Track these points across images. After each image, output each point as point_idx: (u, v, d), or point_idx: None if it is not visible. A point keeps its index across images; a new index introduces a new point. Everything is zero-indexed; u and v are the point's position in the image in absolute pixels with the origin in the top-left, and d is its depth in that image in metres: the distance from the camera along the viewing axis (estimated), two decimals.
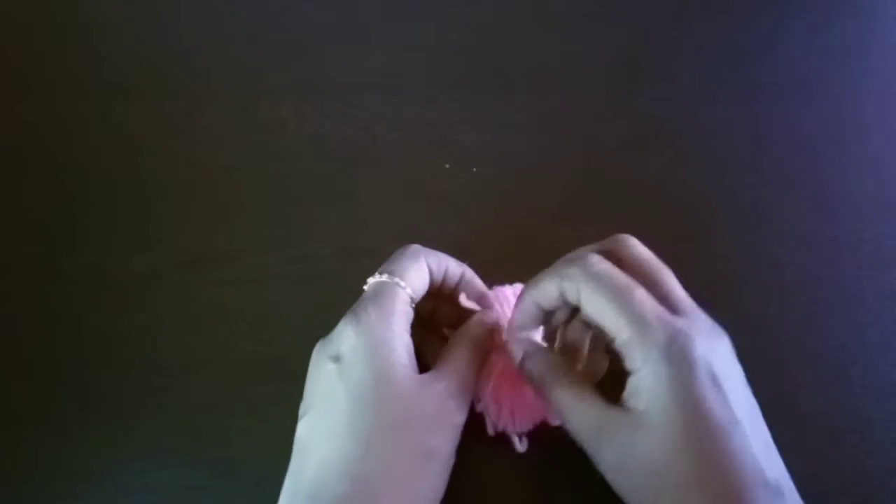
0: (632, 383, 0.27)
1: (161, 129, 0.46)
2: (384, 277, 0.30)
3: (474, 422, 0.32)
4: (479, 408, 0.33)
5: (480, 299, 0.34)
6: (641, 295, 0.27)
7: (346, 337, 0.28)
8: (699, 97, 0.48)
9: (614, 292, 0.27)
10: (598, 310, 0.27)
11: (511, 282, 0.37)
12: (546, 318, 0.31)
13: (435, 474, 0.28)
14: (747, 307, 0.39)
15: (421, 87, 0.48)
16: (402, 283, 0.30)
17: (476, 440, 0.32)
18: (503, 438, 0.33)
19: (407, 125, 0.46)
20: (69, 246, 0.41)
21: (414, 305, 0.31)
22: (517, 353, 0.31)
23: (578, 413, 0.28)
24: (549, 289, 0.29)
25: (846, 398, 0.33)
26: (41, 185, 0.44)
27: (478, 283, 0.34)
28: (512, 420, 0.33)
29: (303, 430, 0.29)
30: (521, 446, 0.33)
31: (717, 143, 0.46)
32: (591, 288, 0.27)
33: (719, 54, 0.50)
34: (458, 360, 0.30)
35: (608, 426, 0.27)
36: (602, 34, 0.51)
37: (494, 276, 0.37)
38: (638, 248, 0.30)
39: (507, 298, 0.35)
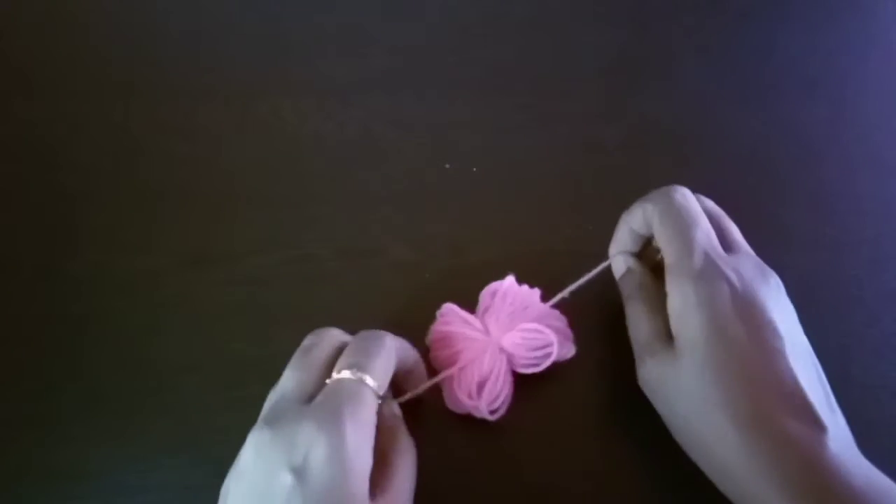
0: (667, 306, 0.29)
1: (161, 129, 0.46)
2: (355, 375, 0.27)
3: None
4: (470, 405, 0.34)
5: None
6: (704, 228, 0.30)
7: (315, 449, 0.24)
8: (699, 97, 0.48)
9: (680, 218, 0.30)
10: (660, 230, 0.30)
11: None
12: (641, 242, 0.34)
13: None
14: None
15: (421, 87, 0.48)
16: (374, 385, 0.27)
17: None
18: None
19: (407, 125, 0.46)
20: (70, 246, 0.41)
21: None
22: (618, 269, 0.34)
23: (636, 326, 0.31)
24: (636, 211, 0.32)
25: (846, 398, 0.33)
26: (41, 185, 0.44)
27: (422, 377, 0.33)
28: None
29: None
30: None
31: (717, 142, 0.46)
32: (664, 210, 0.30)
33: (719, 54, 0.50)
34: (400, 477, 0.28)
35: (652, 347, 0.29)
36: (602, 34, 0.51)
37: (494, 276, 0.37)
38: (708, 202, 0.33)
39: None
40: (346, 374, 0.27)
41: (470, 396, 0.33)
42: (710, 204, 0.33)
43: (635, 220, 0.32)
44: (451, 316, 0.36)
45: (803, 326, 0.30)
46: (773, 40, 0.50)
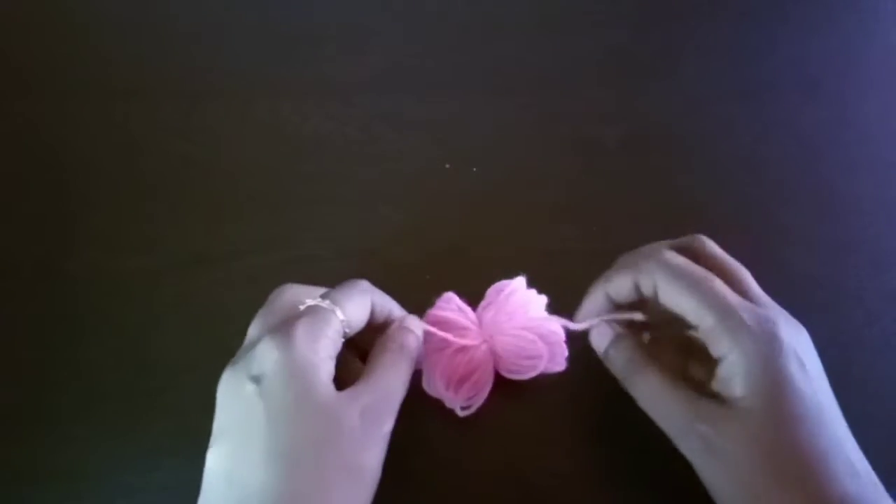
0: (723, 370, 0.27)
1: (161, 129, 0.46)
2: (321, 303, 0.28)
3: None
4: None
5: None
6: (721, 284, 0.28)
7: (268, 356, 0.26)
8: (699, 97, 0.48)
9: (694, 282, 0.28)
10: (678, 300, 0.28)
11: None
12: (612, 309, 0.32)
13: (362, 491, 0.26)
14: None
15: (421, 86, 0.48)
16: (339, 313, 0.28)
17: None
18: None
19: (407, 125, 0.46)
20: (69, 246, 0.41)
21: (346, 337, 0.29)
22: (599, 343, 0.31)
23: (667, 402, 0.28)
24: (622, 282, 0.30)
25: (846, 398, 0.33)
26: (41, 184, 0.44)
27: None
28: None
29: (214, 460, 0.27)
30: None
31: (717, 143, 0.46)
32: (669, 279, 0.28)
33: (719, 54, 0.50)
34: (381, 370, 0.29)
35: (700, 415, 0.27)
36: (602, 34, 0.51)
37: (493, 276, 0.37)
38: (715, 247, 0.31)
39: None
40: (310, 301, 0.29)
41: (448, 387, 0.34)
42: (721, 253, 0.31)
43: (618, 288, 0.30)
44: (448, 303, 0.36)
45: (804, 326, 0.30)
46: (773, 40, 0.50)
